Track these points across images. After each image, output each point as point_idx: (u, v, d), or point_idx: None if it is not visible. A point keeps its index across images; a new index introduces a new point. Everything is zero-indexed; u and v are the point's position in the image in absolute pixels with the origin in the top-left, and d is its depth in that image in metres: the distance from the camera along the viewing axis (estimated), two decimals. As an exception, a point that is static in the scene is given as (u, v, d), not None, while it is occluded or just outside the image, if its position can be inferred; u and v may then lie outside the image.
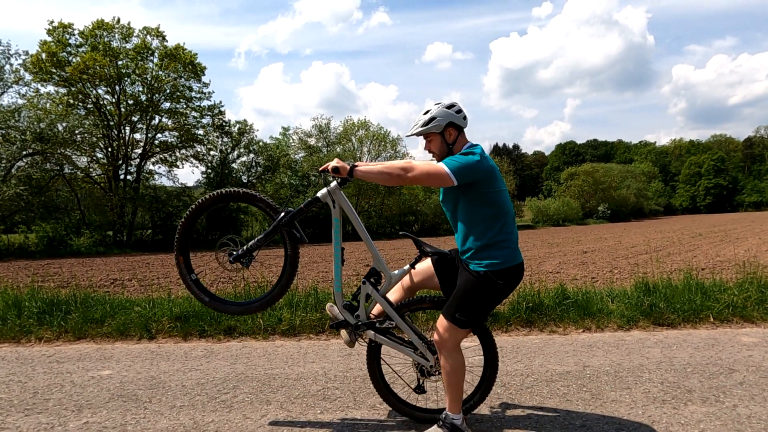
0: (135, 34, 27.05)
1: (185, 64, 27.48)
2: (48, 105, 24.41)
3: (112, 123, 26.84)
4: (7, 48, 27.85)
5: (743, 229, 25.45)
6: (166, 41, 27.66)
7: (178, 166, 29.95)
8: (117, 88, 26.63)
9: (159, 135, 29.04)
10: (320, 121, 40.09)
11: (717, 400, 2.92)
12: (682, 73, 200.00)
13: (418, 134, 2.53)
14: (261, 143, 33.45)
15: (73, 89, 25.74)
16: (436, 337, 2.51)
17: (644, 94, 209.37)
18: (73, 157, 24.46)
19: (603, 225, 46.62)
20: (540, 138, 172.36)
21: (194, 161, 30.56)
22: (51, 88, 26.09)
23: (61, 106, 24.45)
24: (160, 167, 29.85)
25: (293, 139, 40.04)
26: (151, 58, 27.39)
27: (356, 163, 2.50)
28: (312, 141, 40.08)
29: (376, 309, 2.75)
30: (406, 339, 2.73)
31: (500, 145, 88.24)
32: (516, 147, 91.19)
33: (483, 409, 2.88)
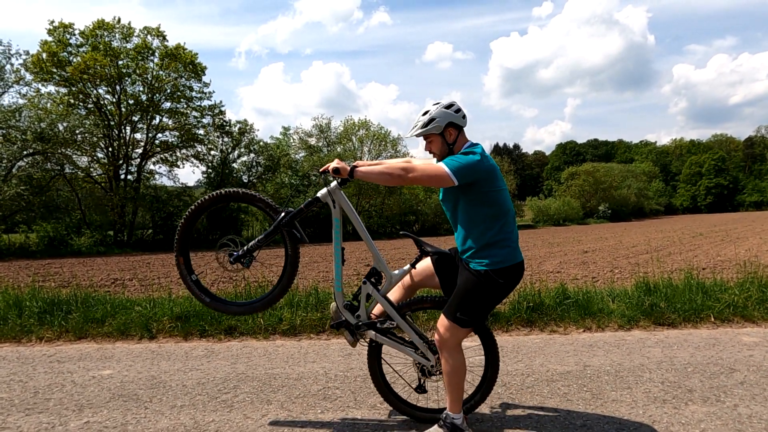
0: (135, 34, 27.07)
1: (186, 64, 27.49)
2: (49, 105, 24.45)
3: (112, 123, 26.87)
4: (8, 48, 28.03)
5: (744, 229, 25.43)
6: (167, 41, 27.73)
7: (178, 166, 30.02)
8: (117, 87, 26.65)
9: (159, 135, 29.11)
10: (321, 121, 40.15)
11: (718, 400, 2.92)
12: (683, 72, 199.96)
13: (417, 135, 2.53)
14: (261, 143, 33.48)
15: (73, 89, 25.77)
16: (437, 336, 2.51)
17: (645, 94, 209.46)
18: (74, 156, 24.50)
19: (604, 225, 46.60)
20: (540, 138, 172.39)
21: (195, 161, 30.62)
22: (52, 88, 26.18)
23: (61, 106, 24.48)
24: (160, 167, 29.92)
25: (294, 139, 40.08)
26: (152, 57, 27.42)
27: (356, 164, 2.50)
28: (312, 141, 40.12)
29: (377, 309, 2.75)
30: (407, 339, 2.72)
31: (501, 144, 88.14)
32: (516, 147, 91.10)
33: (483, 409, 2.88)
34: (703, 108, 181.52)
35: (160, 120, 28.72)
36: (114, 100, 27.02)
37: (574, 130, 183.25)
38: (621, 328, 4.54)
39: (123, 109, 26.94)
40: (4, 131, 21.46)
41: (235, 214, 30.06)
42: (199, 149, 30.35)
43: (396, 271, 2.73)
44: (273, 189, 33.35)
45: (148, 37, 27.22)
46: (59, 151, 22.50)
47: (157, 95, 27.57)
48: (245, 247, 2.69)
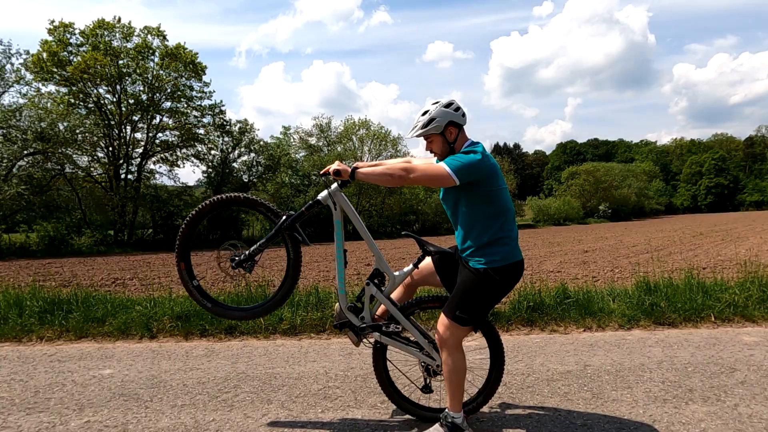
0: (136, 34, 27.08)
1: (186, 64, 27.50)
2: (49, 104, 24.44)
3: (113, 122, 26.88)
4: (8, 47, 27.99)
5: (744, 229, 25.43)
6: (167, 40, 27.73)
7: (179, 166, 30.04)
8: (118, 87, 26.65)
9: (160, 134, 29.13)
10: (321, 121, 40.15)
11: (718, 400, 2.92)
12: (683, 72, 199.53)
13: (418, 136, 2.53)
14: (262, 142, 33.48)
15: (74, 89, 25.78)
16: (437, 335, 2.51)
17: (645, 93, 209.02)
18: (74, 156, 24.51)
19: (604, 224, 46.59)
20: (541, 137, 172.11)
21: (195, 160, 30.64)
22: (52, 88, 26.18)
23: (62, 106, 24.47)
24: (160, 166, 29.93)
25: (294, 139, 40.09)
26: (152, 57, 27.42)
27: (357, 165, 2.50)
28: (313, 140, 40.12)
29: (380, 309, 2.75)
30: (411, 339, 2.72)
31: (501, 144, 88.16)
32: (517, 146, 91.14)
33: (483, 408, 2.87)
34: (704, 107, 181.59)
35: (161, 119, 28.73)
36: (114, 99, 27.03)
37: (574, 130, 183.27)
38: (621, 328, 4.54)
39: (123, 109, 26.95)
40: (4, 131, 21.47)
41: (235, 213, 30.03)
42: (200, 149, 30.39)
43: (399, 272, 2.73)
44: (273, 188, 33.36)
45: (149, 36, 27.23)
46: (59, 150, 22.51)
47: (158, 95, 27.58)
48: (246, 252, 2.69)
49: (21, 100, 24.39)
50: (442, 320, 2.49)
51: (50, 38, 25.51)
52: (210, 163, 31.25)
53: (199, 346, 4.29)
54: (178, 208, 27.86)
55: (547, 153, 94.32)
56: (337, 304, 2.76)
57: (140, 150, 28.38)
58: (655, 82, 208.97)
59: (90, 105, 26.64)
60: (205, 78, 28.88)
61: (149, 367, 3.76)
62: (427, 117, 2.48)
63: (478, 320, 2.51)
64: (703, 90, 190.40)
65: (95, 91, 26.45)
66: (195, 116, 29.50)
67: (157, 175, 29.87)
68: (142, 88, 27.39)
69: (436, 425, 2.55)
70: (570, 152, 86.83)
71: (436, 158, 2.62)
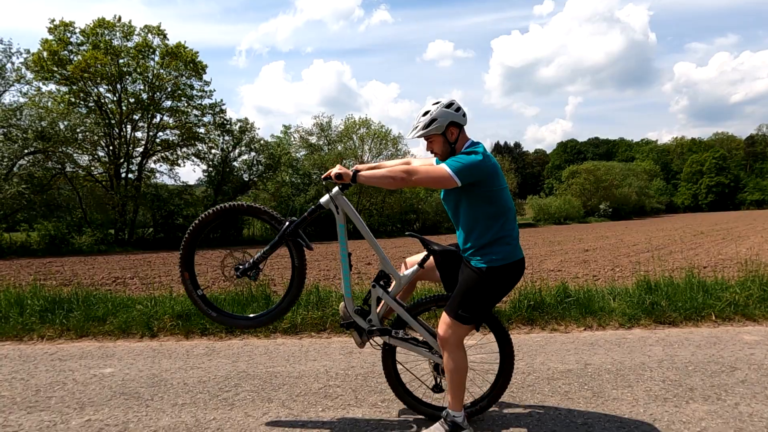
0: (136, 33, 27.10)
1: (186, 63, 27.50)
2: (49, 103, 24.47)
3: (113, 121, 26.90)
4: (9, 46, 27.97)
5: (745, 228, 25.41)
6: (167, 39, 27.73)
7: (179, 165, 30.07)
8: (118, 86, 26.67)
9: (160, 133, 29.16)
10: (321, 119, 40.19)
11: (719, 399, 2.92)
12: (684, 70, 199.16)
13: (419, 137, 2.53)
14: (262, 141, 33.49)
15: (74, 88, 25.81)
16: (439, 334, 2.52)
17: (646, 92, 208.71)
18: (75, 155, 24.56)
19: (604, 223, 46.58)
20: (541, 136, 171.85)
21: (195, 159, 30.66)
22: (52, 87, 26.23)
23: (62, 105, 24.51)
24: (161, 165, 29.98)
25: (294, 138, 40.13)
26: (153, 56, 27.43)
27: (358, 168, 2.49)
28: (313, 139, 40.16)
29: (385, 307, 2.75)
30: (420, 339, 2.73)
31: (501, 143, 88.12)
32: (517, 145, 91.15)
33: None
34: (705, 106, 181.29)
35: (161, 118, 28.75)
36: (115, 98, 27.04)
37: (575, 129, 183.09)
38: (622, 327, 4.54)
39: (124, 108, 26.96)
40: (5, 130, 21.49)
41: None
42: (200, 148, 30.40)
43: (404, 273, 2.73)
44: (274, 187, 33.37)
45: (149, 35, 27.25)
46: (60, 149, 22.54)
47: (158, 94, 27.59)
48: (251, 260, 2.69)
49: (21, 99, 24.51)
50: (444, 319, 2.49)
51: (51, 37, 25.53)
52: (210, 162, 31.28)
53: (200, 345, 4.30)
54: (179, 207, 27.90)
55: (548, 152, 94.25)
56: (342, 303, 2.76)
57: (141, 149, 28.42)
58: (656, 81, 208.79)
59: (90, 104, 26.66)
60: (205, 77, 28.96)
61: (150, 365, 3.76)
62: (428, 117, 2.48)
63: (479, 319, 2.51)
64: (703, 89, 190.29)
65: (96, 90, 26.47)
66: (195, 115, 29.54)
67: (157, 174, 29.97)
68: (142, 87, 27.44)
69: (437, 424, 2.55)
70: (570, 151, 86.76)
71: (436, 158, 2.62)
